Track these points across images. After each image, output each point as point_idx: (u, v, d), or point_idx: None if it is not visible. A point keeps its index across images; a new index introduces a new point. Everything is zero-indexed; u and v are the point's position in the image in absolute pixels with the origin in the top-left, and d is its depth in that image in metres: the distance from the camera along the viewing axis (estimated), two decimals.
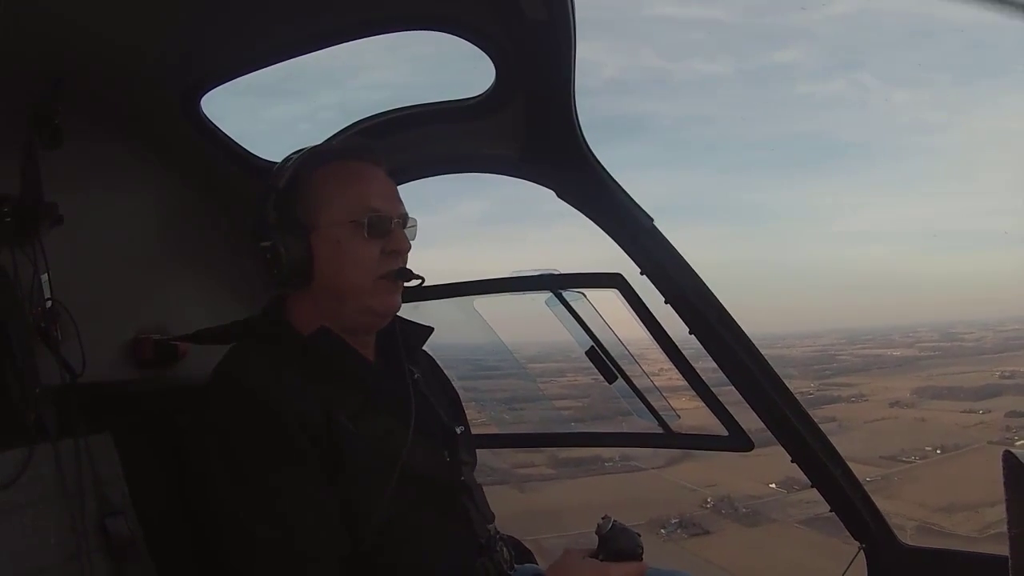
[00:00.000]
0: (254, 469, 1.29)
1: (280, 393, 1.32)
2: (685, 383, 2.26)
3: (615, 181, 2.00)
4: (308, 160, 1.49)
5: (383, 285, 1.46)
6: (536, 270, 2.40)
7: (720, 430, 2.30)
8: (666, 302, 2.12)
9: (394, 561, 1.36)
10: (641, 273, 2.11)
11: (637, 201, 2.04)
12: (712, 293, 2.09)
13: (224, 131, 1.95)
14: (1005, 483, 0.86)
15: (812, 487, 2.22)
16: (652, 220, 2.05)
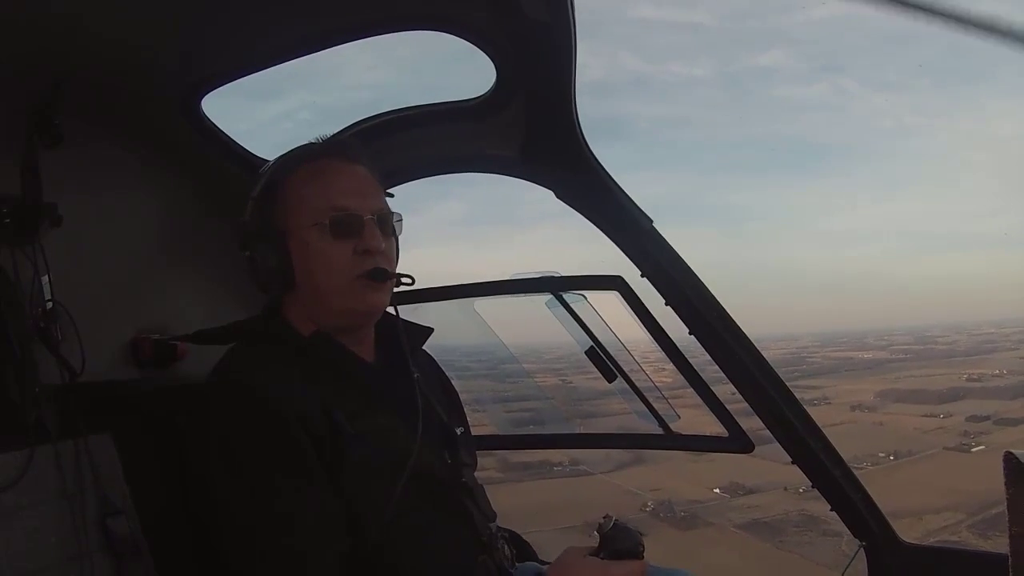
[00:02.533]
0: (254, 468, 1.28)
1: (280, 392, 1.32)
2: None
3: (615, 182, 2.00)
4: (282, 164, 1.48)
5: (360, 284, 1.43)
6: (537, 272, 2.41)
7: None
8: (667, 304, 2.12)
9: (395, 560, 1.36)
10: (641, 275, 2.11)
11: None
12: (712, 295, 2.09)
13: (224, 131, 1.95)
14: (1006, 483, 0.87)
15: (813, 487, 2.22)
16: (651, 221, 2.05)
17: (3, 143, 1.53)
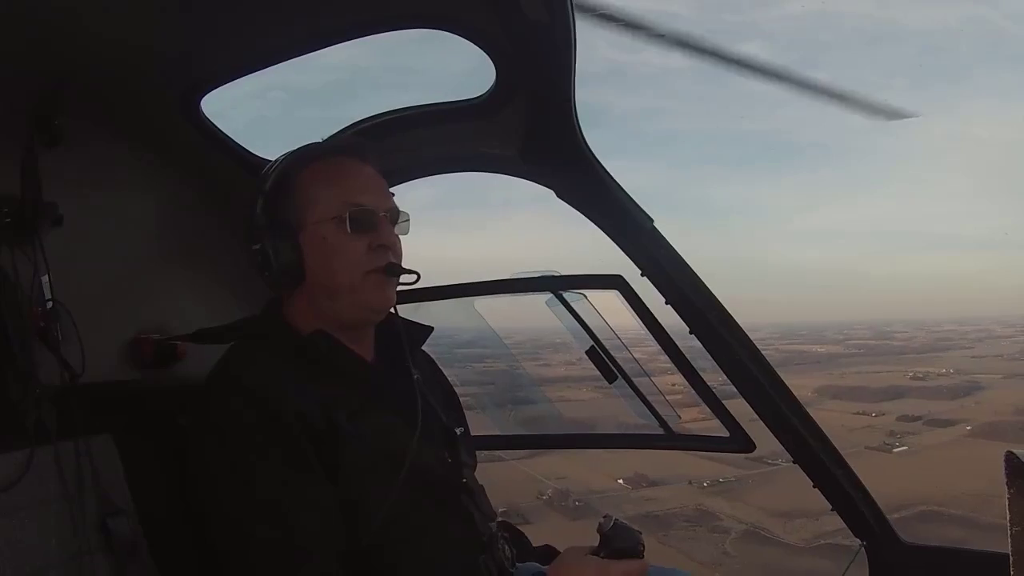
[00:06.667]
0: (253, 468, 1.28)
1: (279, 392, 1.32)
2: None
3: (615, 181, 2.00)
4: (293, 161, 1.49)
5: (373, 280, 1.45)
6: (537, 271, 2.40)
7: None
8: (667, 303, 2.12)
9: (395, 560, 1.36)
10: (642, 274, 2.11)
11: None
12: (712, 293, 2.09)
13: (224, 131, 1.95)
14: (1007, 483, 0.87)
15: (814, 487, 2.22)
16: (652, 221, 2.05)
17: (3, 143, 1.53)
